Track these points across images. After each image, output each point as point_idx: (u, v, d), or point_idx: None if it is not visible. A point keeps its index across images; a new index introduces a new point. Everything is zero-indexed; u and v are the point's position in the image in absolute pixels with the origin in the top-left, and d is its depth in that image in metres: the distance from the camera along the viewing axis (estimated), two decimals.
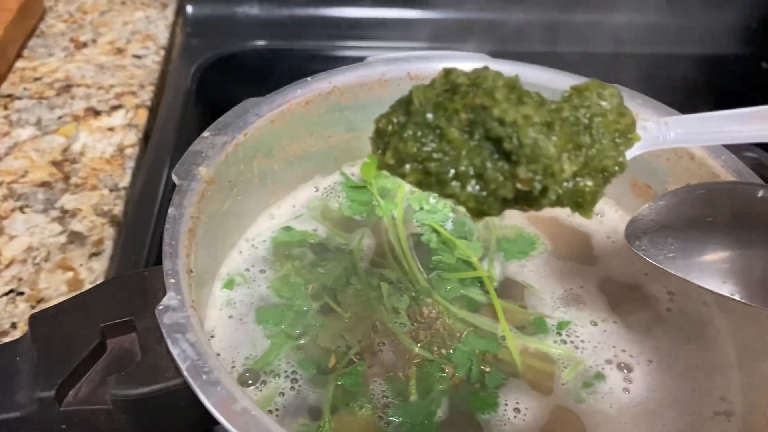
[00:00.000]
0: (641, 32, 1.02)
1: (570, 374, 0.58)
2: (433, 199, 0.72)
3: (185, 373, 0.43)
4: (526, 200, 0.40)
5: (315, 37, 1.06)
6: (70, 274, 0.69)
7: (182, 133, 0.89)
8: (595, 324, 0.62)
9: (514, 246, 0.68)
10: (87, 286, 0.68)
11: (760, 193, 0.57)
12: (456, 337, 0.60)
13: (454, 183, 0.39)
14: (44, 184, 0.78)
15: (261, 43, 1.05)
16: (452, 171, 0.39)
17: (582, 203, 0.40)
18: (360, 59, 0.70)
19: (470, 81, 0.40)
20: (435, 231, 0.68)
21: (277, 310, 0.60)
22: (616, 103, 0.42)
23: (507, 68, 0.67)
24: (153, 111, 0.91)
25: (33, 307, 0.66)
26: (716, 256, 0.52)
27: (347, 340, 0.59)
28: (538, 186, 0.38)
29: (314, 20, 1.06)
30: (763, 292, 0.49)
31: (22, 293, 0.67)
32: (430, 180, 0.40)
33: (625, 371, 0.58)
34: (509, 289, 0.65)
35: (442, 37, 1.04)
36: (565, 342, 0.61)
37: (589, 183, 0.40)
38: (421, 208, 0.71)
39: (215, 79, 1.00)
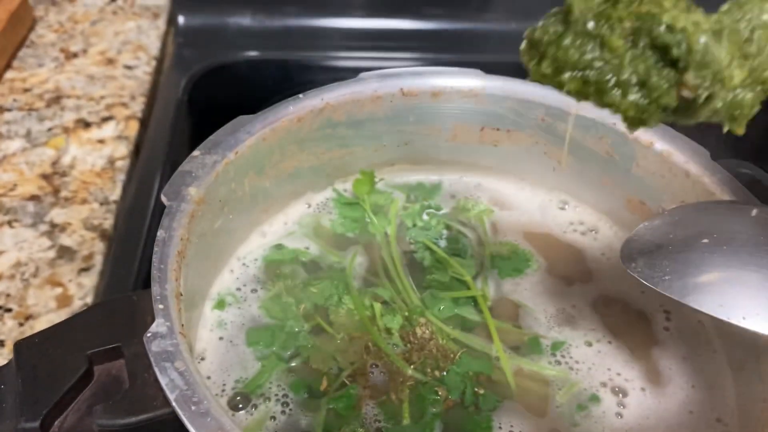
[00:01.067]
0: None
1: (564, 396, 0.57)
2: (426, 216, 0.71)
3: (174, 404, 0.43)
4: (687, 109, 0.39)
5: (307, 47, 1.05)
6: (59, 290, 0.68)
7: (174, 145, 0.88)
8: (590, 344, 0.61)
9: (508, 263, 0.68)
10: (76, 302, 0.67)
11: (755, 212, 0.56)
12: (450, 359, 0.59)
13: (614, 91, 0.39)
14: (33, 198, 0.77)
15: (253, 53, 1.04)
16: (614, 79, 0.39)
17: (737, 116, 0.40)
18: (352, 70, 0.69)
19: None
20: (429, 249, 0.68)
21: (268, 332, 0.60)
22: None
23: (501, 85, 0.68)
24: (144, 123, 0.90)
25: (21, 324, 0.65)
26: (712, 277, 0.52)
27: (339, 362, 0.58)
28: (704, 93, 0.38)
29: (307, 31, 1.05)
30: (758, 316, 0.49)
31: (9, 310, 0.66)
32: (588, 89, 0.40)
33: (620, 395, 0.58)
34: (503, 307, 0.64)
35: (435, 48, 1.03)
36: (559, 363, 0.60)
37: (749, 95, 0.39)
38: (414, 225, 0.70)
39: (207, 90, 0.99)
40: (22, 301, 0.67)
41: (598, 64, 0.39)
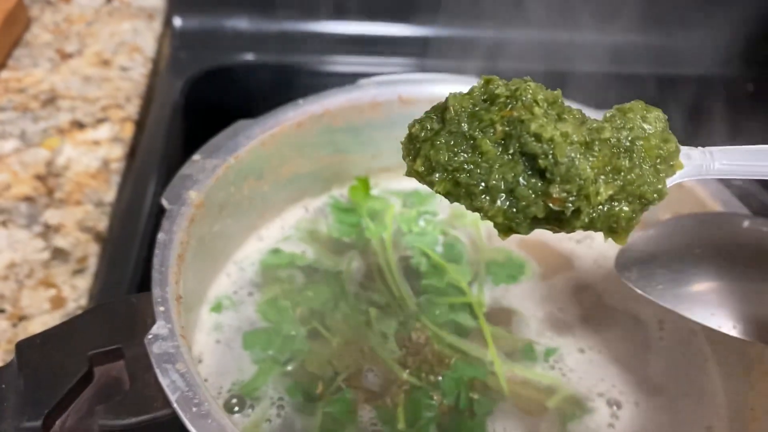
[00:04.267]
0: (626, 53, 1.03)
1: (557, 403, 0.58)
2: (422, 221, 0.72)
3: (175, 405, 0.43)
4: (558, 221, 0.39)
5: (304, 51, 1.05)
6: (53, 291, 0.68)
7: (169, 148, 0.88)
8: (583, 351, 0.62)
9: (503, 270, 0.68)
10: (70, 304, 0.67)
11: (746, 224, 0.57)
12: (444, 364, 0.60)
13: (483, 196, 0.38)
14: (27, 199, 0.77)
15: (250, 56, 1.04)
16: (483, 184, 0.38)
17: (616, 229, 0.39)
18: (350, 75, 0.70)
19: (510, 92, 0.39)
20: (425, 254, 0.68)
21: (265, 335, 0.60)
22: (660, 128, 0.40)
23: None
24: (139, 124, 0.90)
25: (15, 325, 0.65)
26: (704, 287, 0.53)
27: (335, 366, 0.59)
28: (570, 207, 0.37)
29: (304, 35, 1.05)
30: (749, 325, 0.50)
31: (3, 311, 0.66)
32: (459, 191, 0.39)
33: (614, 407, 0.59)
34: (498, 313, 0.65)
35: (432, 54, 1.04)
36: (552, 368, 0.61)
37: (626, 208, 0.39)
38: (411, 231, 0.71)
39: (203, 93, 0.99)
40: (16, 302, 0.66)
41: (468, 166, 0.38)
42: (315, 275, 0.66)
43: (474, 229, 0.72)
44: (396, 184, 0.75)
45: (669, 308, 0.51)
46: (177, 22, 1.06)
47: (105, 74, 0.95)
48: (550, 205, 0.37)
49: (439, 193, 0.40)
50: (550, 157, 0.37)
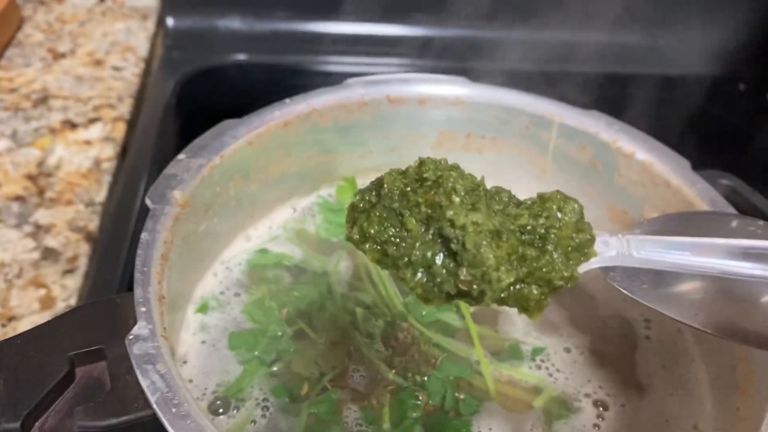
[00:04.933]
0: (619, 52, 1.03)
1: (543, 403, 0.58)
2: None
3: (155, 406, 0.43)
4: (470, 297, 0.42)
5: (297, 51, 1.05)
6: (43, 291, 0.68)
7: (161, 147, 0.88)
8: (569, 351, 0.62)
9: None
10: (60, 304, 0.67)
11: (734, 224, 0.57)
12: (431, 364, 0.59)
13: (407, 269, 0.42)
14: (18, 198, 0.77)
15: (242, 56, 1.04)
16: (406, 257, 0.41)
17: (527, 307, 0.42)
18: (341, 75, 0.69)
19: (435, 177, 0.42)
20: None
21: (251, 336, 0.60)
22: (574, 219, 0.43)
23: (485, 92, 0.68)
24: (131, 124, 0.90)
25: (4, 326, 0.65)
26: (690, 287, 0.52)
27: (321, 367, 0.59)
28: (476, 288, 0.40)
29: (296, 35, 1.05)
30: (735, 326, 0.50)
31: None
32: (386, 260, 0.42)
33: (600, 408, 0.58)
34: (484, 314, 0.65)
35: (424, 54, 1.04)
36: (539, 368, 0.61)
37: (534, 291, 0.42)
38: None
39: (195, 93, 0.99)
40: (5, 302, 0.66)
41: (395, 240, 0.42)
42: (302, 275, 0.66)
43: None
44: None
45: (653, 308, 0.51)
46: (170, 22, 1.06)
47: (97, 74, 0.95)
48: (459, 285, 0.40)
49: (370, 260, 0.43)
50: (460, 242, 0.40)
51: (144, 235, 0.52)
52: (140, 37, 1.02)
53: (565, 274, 0.43)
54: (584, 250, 0.44)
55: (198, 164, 0.58)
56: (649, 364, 0.62)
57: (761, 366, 0.53)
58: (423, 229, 0.41)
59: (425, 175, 0.42)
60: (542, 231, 0.42)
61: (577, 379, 0.60)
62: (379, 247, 0.42)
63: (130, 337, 0.46)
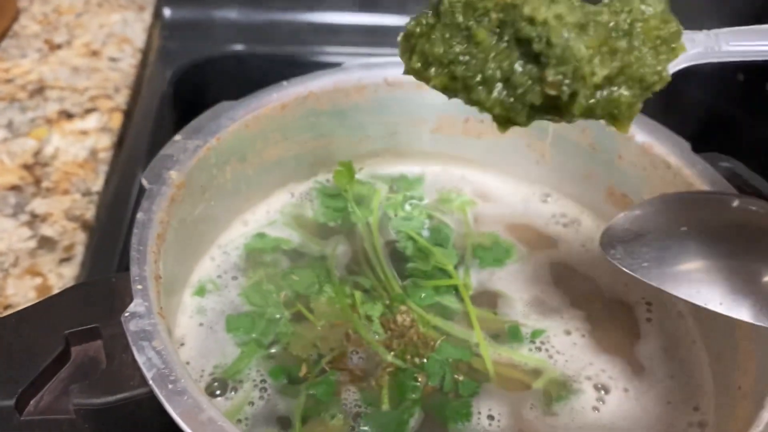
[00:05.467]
0: None
1: (543, 385, 0.58)
2: (408, 206, 0.71)
3: (151, 382, 0.42)
4: (556, 108, 0.38)
5: (293, 42, 1.05)
6: (39, 280, 0.67)
7: (157, 138, 0.88)
8: (569, 333, 0.62)
9: (489, 254, 0.68)
10: (56, 293, 0.67)
11: (735, 203, 0.57)
12: (430, 346, 0.59)
13: (480, 88, 0.38)
14: (14, 188, 0.77)
15: (239, 47, 1.04)
16: (479, 75, 0.38)
17: (617, 115, 0.38)
18: (338, 65, 0.69)
19: None
20: (411, 238, 0.68)
21: (248, 318, 0.60)
22: (660, 9, 0.39)
23: None
24: (128, 115, 0.89)
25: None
26: (690, 265, 0.52)
27: (319, 349, 0.58)
28: (566, 90, 0.36)
29: (293, 25, 1.05)
30: (735, 302, 0.49)
31: None
32: (456, 84, 0.39)
33: (602, 392, 0.58)
34: (484, 296, 0.65)
35: None
36: (539, 350, 0.60)
37: (625, 93, 0.38)
38: (397, 215, 0.70)
39: (192, 83, 0.99)
40: (1, 291, 0.66)
41: (464, 58, 0.38)
42: (300, 260, 0.66)
43: (461, 213, 0.71)
44: (382, 168, 0.75)
45: (655, 286, 0.51)
46: (167, 12, 1.06)
47: (94, 65, 0.95)
48: (547, 90, 0.37)
49: (436, 88, 0.39)
50: (544, 40, 0.36)
51: (140, 215, 0.52)
52: (137, 28, 1.02)
53: (658, 68, 0.38)
54: (672, 44, 0.39)
55: (194, 145, 0.58)
56: (650, 346, 0.62)
57: (762, 344, 0.53)
58: (495, 39, 0.38)
59: None
60: (626, 27, 0.38)
61: (577, 362, 0.60)
62: (445, 70, 0.38)
63: (126, 314, 0.46)
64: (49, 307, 0.48)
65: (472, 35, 0.38)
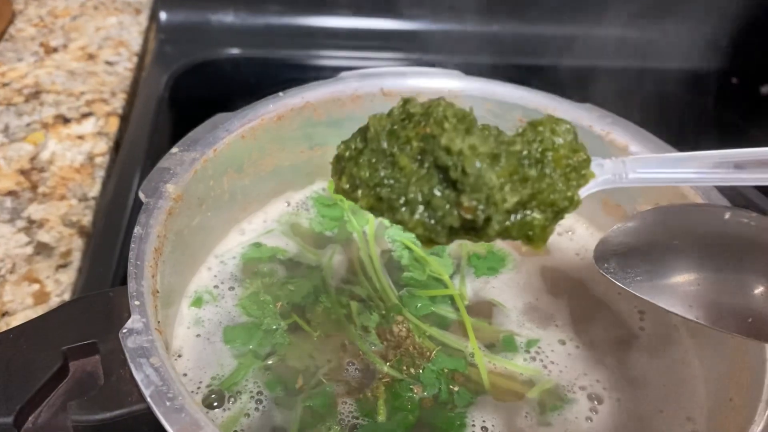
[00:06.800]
0: (612, 47, 1.03)
1: (537, 395, 0.58)
2: None
3: (149, 399, 0.43)
4: (474, 230, 0.41)
5: (290, 46, 1.05)
6: (36, 286, 0.68)
7: (154, 142, 0.88)
8: (564, 343, 0.62)
9: (484, 263, 0.68)
10: (53, 299, 0.67)
11: (727, 216, 0.57)
12: (425, 356, 0.59)
13: (403, 209, 0.41)
14: (11, 193, 0.77)
15: (235, 51, 1.04)
16: (402, 197, 0.40)
17: (532, 237, 0.41)
18: (335, 69, 0.69)
19: (423, 110, 0.41)
20: (407, 248, 0.68)
21: (245, 329, 0.60)
22: (569, 139, 0.42)
23: (479, 86, 0.68)
24: (124, 119, 0.89)
25: None
26: (683, 279, 0.52)
27: (316, 360, 0.59)
28: (481, 215, 0.39)
29: (289, 29, 1.05)
30: (728, 317, 0.50)
31: None
32: (381, 205, 0.41)
33: (595, 402, 0.58)
34: (479, 306, 0.65)
35: (417, 48, 1.04)
36: (534, 359, 0.61)
37: (538, 216, 0.41)
38: (393, 225, 0.71)
39: (189, 87, 0.99)
40: None
41: (388, 182, 0.41)
42: (296, 269, 0.66)
43: None
44: None
45: (648, 300, 0.51)
46: (163, 16, 1.06)
47: (90, 68, 0.95)
48: (463, 214, 0.39)
49: (363, 208, 0.42)
50: (460, 168, 0.39)
51: (137, 230, 0.52)
52: (133, 32, 1.02)
53: (568, 194, 0.41)
54: (582, 171, 0.43)
55: (191, 158, 0.58)
56: (644, 356, 0.62)
57: (754, 357, 0.53)
58: (417, 165, 0.40)
59: (412, 111, 0.41)
60: (537, 155, 0.41)
61: (571, 372, 0.60)
62: (372, 192, 0.41)
63: (124, 330, 0.46)
64: (46, 322, 0.49)
65: (396, 161, 0.41)
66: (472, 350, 0.60)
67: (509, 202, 0.39)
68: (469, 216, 0.39)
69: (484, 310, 0.65)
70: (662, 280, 0.52)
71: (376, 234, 0.69)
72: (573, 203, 0.42)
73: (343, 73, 0.68)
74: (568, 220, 0.73)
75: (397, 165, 0.41)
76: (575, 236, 0.72)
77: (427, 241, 0.41)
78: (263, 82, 1.01)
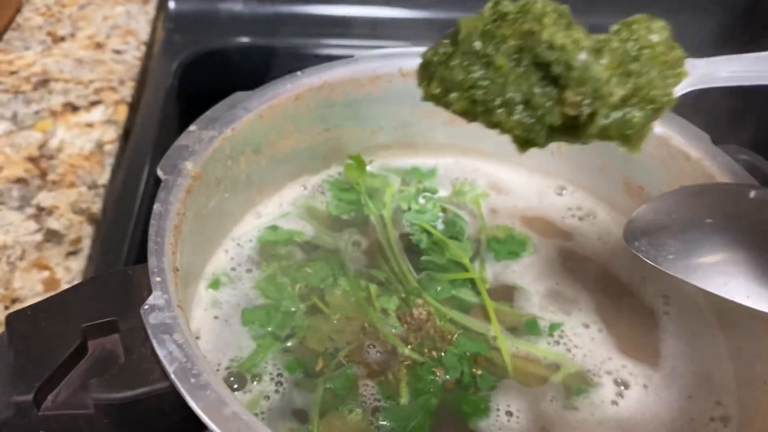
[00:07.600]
0: None
1: (561, 378, 0.57)
2: (422, 199, 0.71)
3: (172, 376, 0.42)
4: (574, 128, 0.39)
5: (299, 34, 1.04)
6: (46, 273, 0.67)
7: (163, 130, 0.87)
8: (587, 326, 0.61)
9: (504, 247, 0.67)
10: (63, 286, 0.66)
11: (752, 194, 0.56)
12: (447, 339, 0.58)
13: (500, 110, 0.39)
14: (20, 181, 0.76)
15: (244, 39, 1.03)
16: (499, 98, 0.39)
17: (630, 136, 0.40)
18: (344, 58, 0.68)
19: (518, 8, 0.40)
20: (426, 231, 0.67)
21: (264, 311, 0.59)
22: (665, 36, 0.41)
23: None
24: (133, 107, 0.88)
25: (7, 308, 0.63)
26: (716, 257, 0.51)
27: (336, 342, 0.57)
28: (586, 110, 0.38)
29: (299, 17, 1.04)
30: (762, 294, 0.49)
31: None
32: (476, 108, 0.40)
33: (622, 387, 0.57)
34: (499, 290, 0.64)
35: (430, 37, 1.03)
36: (557, 343, 0.60)
37: (638, 114, 0.40)
38: (410, 208, 0.69)
39: (197, 76, 0.98)
40: (8, 284, 0.65)
41: (483, 83, 0.40)
42: (314, 252, 0.65)
43: (474, 205, 0.71)
44: (395, 161, 0.74)
45: (681, 278, 0.50)
46: (171, 4, 1.05)
47: (98, 57, 0.94)
48: (566, 110, 0.38)
49: (456, 112, 0.41)
50: (563, 63, 0.38)
51: (156, 206, 0.51)
52: (141, 21, 1.01)
53: (667, 91, 0.40)
54: (677, 69, 0.41)
55: (210, 136, 0.57)
56: (669, 340, 0.61)
57: None
58: (513, 64, 0.39)
59: (506, 10, 0.40)
60: (635, 53, 0.40)
61: (595, 356, 0.59)
62: (465, 95, 0.40)
63: (146, 307, 0.45)
64: (65, 299, 0.47)
65: (492, 62, 0.40)
66: (494, 334, 0.59)
67: (616, 96, 0.38)
68: (573, 112, 0.38)
69: (505, 294, 0.64)
70: (695, 258, 0.51)
71: (394, 218, 0.68)
72: (670, 101, 0.41)
73: (361, 53, 0.67)
74: (589, 203, 0.72)
75: (492, 65, 0.39)
76: (597, 220, 0.70)
77: (525, 143, 0.40)
78: (272, 70, 1.00)
